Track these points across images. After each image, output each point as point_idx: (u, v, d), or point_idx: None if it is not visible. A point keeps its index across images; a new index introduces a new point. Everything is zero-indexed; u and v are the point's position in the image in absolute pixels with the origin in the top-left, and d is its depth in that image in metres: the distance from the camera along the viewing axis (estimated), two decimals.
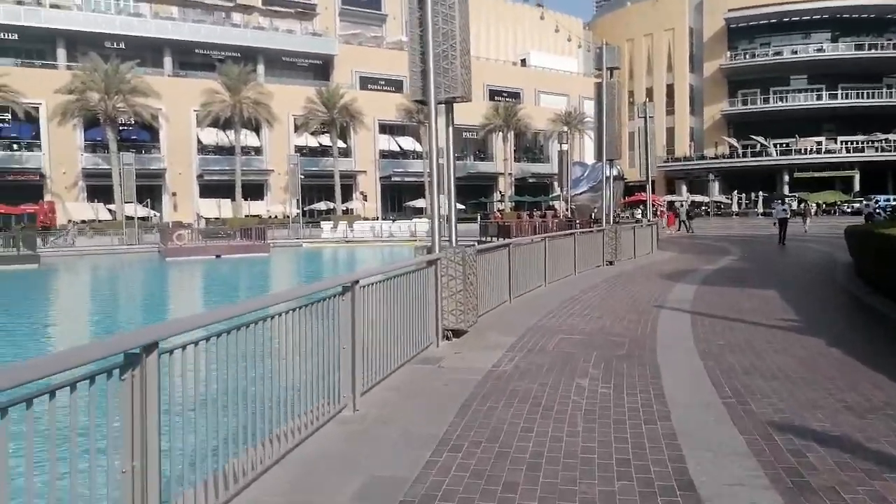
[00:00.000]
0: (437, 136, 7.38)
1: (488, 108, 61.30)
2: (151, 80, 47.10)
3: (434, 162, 7.43)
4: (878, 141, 69.17)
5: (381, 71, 64.22)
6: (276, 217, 52.75)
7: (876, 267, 9.64)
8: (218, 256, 30.74)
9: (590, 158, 50.10)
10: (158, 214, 50.66)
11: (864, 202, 30.37)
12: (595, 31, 79.13)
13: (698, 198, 68.79)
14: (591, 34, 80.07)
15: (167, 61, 56.10)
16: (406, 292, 6.11)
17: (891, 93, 72.26)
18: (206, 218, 51.08)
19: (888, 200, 56.57)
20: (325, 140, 56.19)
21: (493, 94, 68.09)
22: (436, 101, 7.11)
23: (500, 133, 61.28)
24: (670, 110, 75.78)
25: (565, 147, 31.79)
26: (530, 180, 68.03)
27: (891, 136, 70.17)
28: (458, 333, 7.13)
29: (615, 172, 20.18)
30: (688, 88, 74.76)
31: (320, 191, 57.07)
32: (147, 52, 54.03)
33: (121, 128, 47.47)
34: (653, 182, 64.54)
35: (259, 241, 32.18)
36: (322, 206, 56.70)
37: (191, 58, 56.98)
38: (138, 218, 41.15)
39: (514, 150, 66.96)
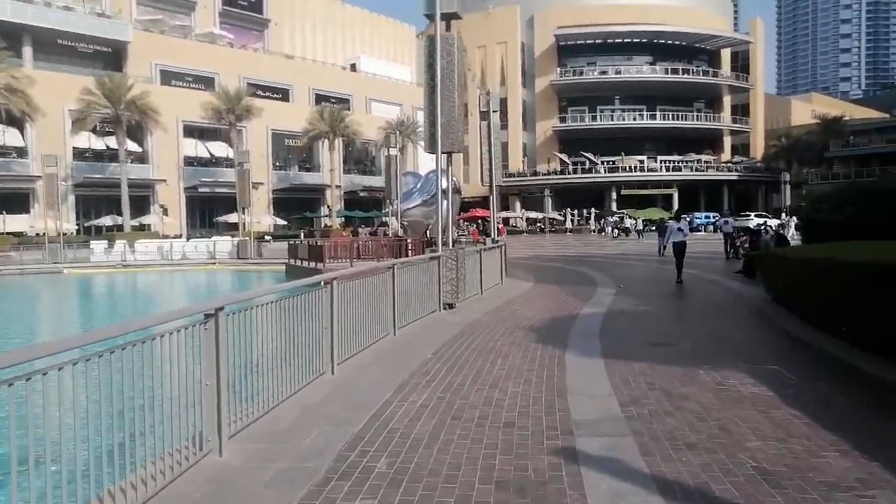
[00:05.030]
0: None
1: (312, 113, 55.01)
2: None
3: None
4: (691, 161, 72.80)
5: (189, 65, 55.47)
6: (40, 235, 42.33)
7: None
8: None
9: (424, 170, 45.72)
10: None
11: (723, 219, 26.37)
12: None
13: (533, 214, 67.71)
14: (423, 44, 76.93)
15: None
16: None
17: (699, 116, 76.81)
18: None
19: (709, 218, 58.98)
20: (115, 142, 46.46)
21: (320, 98, 61.94)
22: None
23: (327, 140, 55.18)
24: (504, 124, 74.27)
25: (394, 152, 26.58)
26: (361, 194, 62.58)
27: (702, 157, 74.35)
28: None
29: (450, 185, 15.12)
30: (521, 103, 73.84)
31: (109, 203, 47.16)
32: None
33: None
34: (487, 197, 62.31)
35: None
36: (108, 220, 46.79)
37: None
38: None
39: (344, 161, 61.15)
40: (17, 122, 43.06)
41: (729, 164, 75.11)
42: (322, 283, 5.93)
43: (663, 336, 8.06)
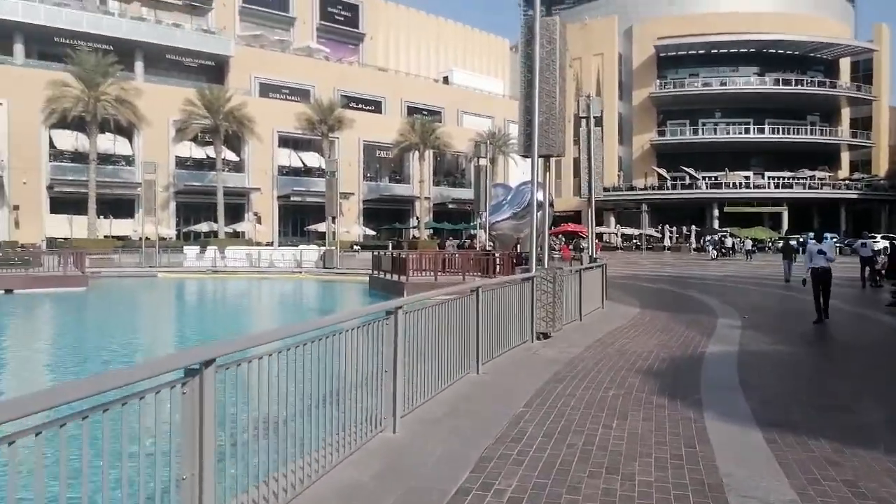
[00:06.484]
0: None
1: (403, 124, 54.77)
2: None
3: None
4: (804, 178, 67.28)
5: (286, 78, 56.85)
6: (145, 239, 44.04)
7: None
8: (9, 291, 22.26)
9: (514, 182, 44.17)
10: None
11: (860, 241, 22.02)
12: None
13: (628, 230, 64.55)
14: (517, 56, 75.62)
15: (18, 49, 46.70)
16: None
17: (813, 130, 71.04)
18: (51, 238, 41.76)
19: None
20: (214, 152, 47.87)
21: (412, 110, 61.89)
22: None
23: (417, 152, 54.77)
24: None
25: (483, 162, 25.26)
26: (450, 206, 61.74)
27: (816, 174, 68.52)
28: None
29: (546, 196, 13.41)
30: (616, 116, 70.94)
31: (207, 209, 48.62)
32: None
33: None
34: (580, 212, 59.32)
35: (75, 269, 23.87)
36: (205, 226, 48.23)
37: (49, 47, 47.65)
38: None
39: (434, 173, 60.62)
40: (125, 131, 45.21)
41: (847, 182, 68.88)
42: (384, 314, 4.54)
43: (832, 395, 6.07)
